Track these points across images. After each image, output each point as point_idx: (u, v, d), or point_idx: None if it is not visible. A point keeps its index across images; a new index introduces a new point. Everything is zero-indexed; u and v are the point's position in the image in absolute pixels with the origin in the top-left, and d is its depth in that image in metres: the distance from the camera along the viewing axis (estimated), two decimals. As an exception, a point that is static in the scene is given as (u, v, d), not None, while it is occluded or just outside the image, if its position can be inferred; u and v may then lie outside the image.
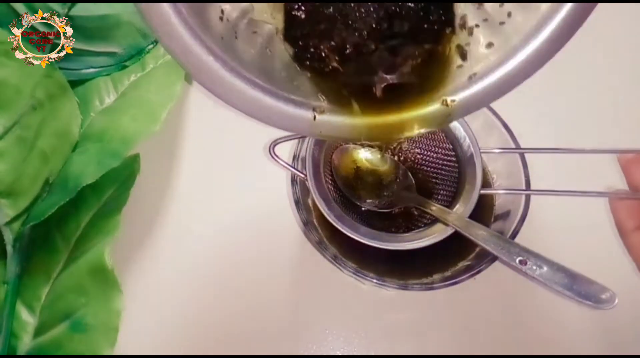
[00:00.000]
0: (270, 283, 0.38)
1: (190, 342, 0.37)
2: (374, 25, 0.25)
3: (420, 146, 0.36)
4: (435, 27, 0.25)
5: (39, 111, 0.33)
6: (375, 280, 0.31)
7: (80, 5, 0.36)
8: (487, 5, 0.24)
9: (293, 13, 0.25)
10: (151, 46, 0.41)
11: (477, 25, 0.25)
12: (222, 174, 0.42)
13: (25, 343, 0.33)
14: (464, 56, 0.25)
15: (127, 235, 0.34)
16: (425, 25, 0.25)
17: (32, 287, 0.34)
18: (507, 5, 0.23)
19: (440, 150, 0.35)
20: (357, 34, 0.25)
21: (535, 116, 0.40)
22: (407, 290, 0.32)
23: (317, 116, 0.25)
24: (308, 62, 0.25)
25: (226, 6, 0.22)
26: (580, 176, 0.39)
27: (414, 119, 0.26)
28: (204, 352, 0.36)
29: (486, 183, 0.36)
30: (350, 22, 0.25)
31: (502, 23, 0.24)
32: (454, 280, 0.31)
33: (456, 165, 0.34)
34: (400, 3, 0.25)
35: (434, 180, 0.36)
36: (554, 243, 0.37)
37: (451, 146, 0.34)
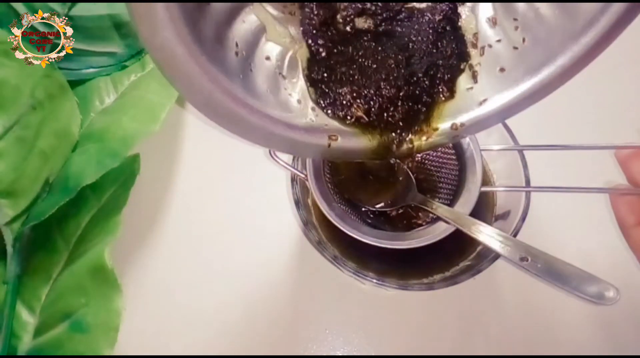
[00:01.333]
0: (270, 283, 0.38)
1: (190, 341, 0.37)
2: (392, 64, 0.25)
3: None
4: (451, 62, 0.25)
5: (38, 111, 0.33)
6: (375, 280, 0.31)
7: (80, 5, 0.36)
8: (503, 24, 0.24)
9: (313, 48, 0.25)
10: (151, 46, 0.41)
11: (489, 46, 0.24)
12: (222, 174, 0.42)
13: (25, 343, 0.33)
14: (474, 77, 0.25)
15: (127, 235, 0.34)
16: (441, 61, 0.25)
17: (32, 287, 0.34)
18: (521, 30, 0.23)
19: (440, 148, 0.35)
20: (377, 75, 0.25)
21: (535, 115, 0.40)
22: (407, 290, 0.32)
23: (332, 143, 0.25)
24: (331, 110, 0.25)
25: (239, 32, 0.22)
26: (580, 174, 0.39)
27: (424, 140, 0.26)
28: (203, 352, 0.36)
29: (487, 182, 0.36)
30: (369, 64, 0.25)
31: (515, 48, 0.24)
32: (454, 280, 0.31)
33: (456, 163, 0.34)
34: (413, 39, 0.25)
35: (434, 179, 0.36)
36: (555, 241, 0.37)
37: (451, 145, 0.34)
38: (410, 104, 0.26)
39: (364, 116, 0.25)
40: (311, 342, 0.36)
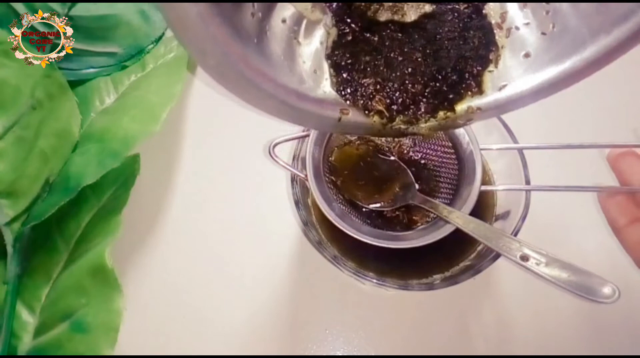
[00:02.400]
0: (270, 283, 0.38)
1: (190, 342, 0.37)
2: (419, 58, 0.24)
3: (420, 144, 0.36)
4: (479, 52, 0.24)
5: (38, 111, 0.33)
6: (375, 280, 0.31)
7: (80, 5, 0.36)
8: (533, 7, 0.22)
9: (339, 26, 0.24)
10: (151, 45, 0.41)
11: (517, 28, 0.23)
12: (222, 174, 0.42)
13: (25, 343, 0.33)
14: (496, 61, 0.24)
15: (127, 235, 0.34)
16: (468, 53, 0.24)
17: (32, 287, 0.34)
18: (552, 15, 0.22)
19: (439, 148, 0.35)
20: (402, 69, 0.24)
21: (535, 116, 0.40)
22: (407, 290, 0.32)
23: (343, 117, 0.25)
24: (352, 100, 0.25)
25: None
26: (580, 174, 0.39)
27: (436, 120, 0.26)
28: (203, 352, 0.36)
29: (487, 182, 0.36)
30: (395, 56, 0.24)
31: (543, 34, 0.23)
32: (454, 280, 0.31)
33: (456, 163, 0.34)
34: (440, 30, 0.24)
35: (434, 178, 0.36)
36: (555, 240, 0.38)
37: (450, 144, 0.34)
38: (436, 102, 0.25)
39: (385, 112, 0.25)
40: (311, 342, 0.36)
